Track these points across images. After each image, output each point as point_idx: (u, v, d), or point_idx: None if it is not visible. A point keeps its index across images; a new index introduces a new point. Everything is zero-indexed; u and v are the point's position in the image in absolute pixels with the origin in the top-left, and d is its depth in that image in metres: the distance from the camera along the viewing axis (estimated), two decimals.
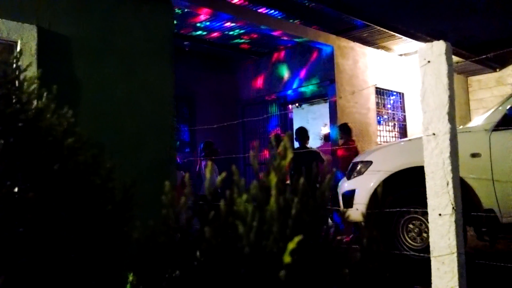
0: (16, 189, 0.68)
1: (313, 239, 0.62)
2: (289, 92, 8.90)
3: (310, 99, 9.49)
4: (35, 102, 0.77)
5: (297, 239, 0.56)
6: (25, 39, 3.70)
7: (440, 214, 2.06)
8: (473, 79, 11.24)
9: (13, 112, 0.72)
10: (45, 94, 0.80)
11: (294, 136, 6.82)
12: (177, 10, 6.42)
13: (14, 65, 0.78)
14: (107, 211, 0.76)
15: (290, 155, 0.66)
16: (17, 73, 0.78)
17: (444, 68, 2.19)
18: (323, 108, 11.11)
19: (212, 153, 7.02)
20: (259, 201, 0.61)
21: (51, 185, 0.70)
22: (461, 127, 4.48)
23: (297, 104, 9.72)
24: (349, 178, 4.74)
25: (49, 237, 0.69)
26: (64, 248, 0.70)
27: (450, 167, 2.08)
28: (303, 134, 6.67)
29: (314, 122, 11.90)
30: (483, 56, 4.23)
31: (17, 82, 0.77)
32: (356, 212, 4.18)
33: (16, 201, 0.67)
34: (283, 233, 0.58)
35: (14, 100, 0.74)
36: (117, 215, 0.77)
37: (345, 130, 7.00)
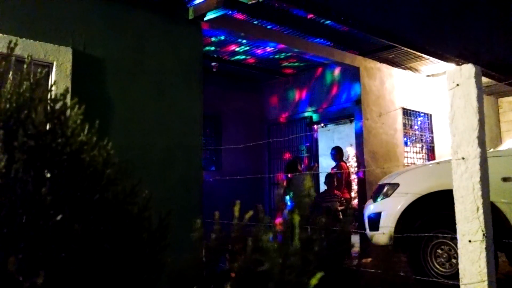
0: (58, 218, 0.72)
1: (334, 272, 0.63)
2: (315, 112, 8.90)
3: (336, 120, 9.45)
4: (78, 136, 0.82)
5: (319, 275, 0.57)
6: (61, 61, 3.84)
7: (470, 241, 2.01)
8: (504, 100, 10.98)
9: (58, 146, 0.76)
10: (87, 128, 0.84)
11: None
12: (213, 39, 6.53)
13: (62, 102, 0.83)
14: (143, 239, 0.79)
15: (313, 195, 0.69)
16: (63, 109, 0.82)
17: (473, 91, 2.17)
18: (348, 129, 11.04)
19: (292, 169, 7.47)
20: (284, 237, 0.63)
21: (92, 214, 0.74)
22: (491, 150, 4.38)
23: (322, 124, 9.69)
24: (375, 201, 4.67)
25: (93, 267, 0.72)
26: (105, 274, 0.73)
27: (480, 192, 2.04)
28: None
29: (340, 142, 11.82)
30: None
31: (62, 117, 0.81)
32: (382, 235, 4.10)
33: (63, 233, 0.71)
34: (305, 268, 0.60)
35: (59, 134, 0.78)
36: (152, 243, 0.80)
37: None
